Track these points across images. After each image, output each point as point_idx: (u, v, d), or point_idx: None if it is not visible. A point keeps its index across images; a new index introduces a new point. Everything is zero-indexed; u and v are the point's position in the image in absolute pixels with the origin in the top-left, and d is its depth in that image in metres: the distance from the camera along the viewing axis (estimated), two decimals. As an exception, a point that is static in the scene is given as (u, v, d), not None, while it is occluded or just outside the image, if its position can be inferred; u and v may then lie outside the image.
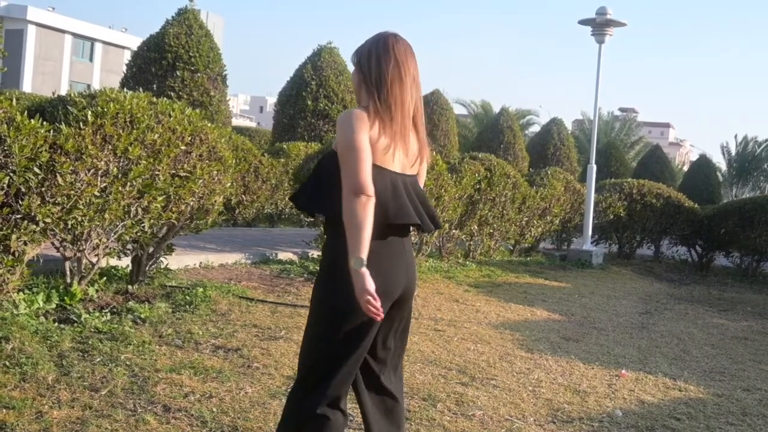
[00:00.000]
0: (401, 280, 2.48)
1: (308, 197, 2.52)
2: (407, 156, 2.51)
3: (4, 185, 4.20)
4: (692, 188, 23.94)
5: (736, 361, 6.07)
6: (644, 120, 69.92)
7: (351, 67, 2.63)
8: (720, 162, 36.51)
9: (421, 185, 2.66)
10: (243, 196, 11.14)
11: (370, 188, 2.29)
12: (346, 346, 2.41)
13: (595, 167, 12.76)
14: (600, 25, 12.72)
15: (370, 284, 2.26)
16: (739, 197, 28.50)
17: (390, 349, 2.61)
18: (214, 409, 3.54)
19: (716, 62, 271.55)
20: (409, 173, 2.54)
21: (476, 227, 10.36)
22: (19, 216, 4.34)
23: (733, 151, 36.80)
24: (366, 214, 2.27)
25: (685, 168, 39.49)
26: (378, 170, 2.37)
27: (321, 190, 2.45)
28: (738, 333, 7.46)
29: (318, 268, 3.02)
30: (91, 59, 44.82)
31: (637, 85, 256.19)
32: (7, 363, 3.76)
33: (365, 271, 2.26)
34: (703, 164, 28.07)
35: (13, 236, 4.36)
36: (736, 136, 37.64)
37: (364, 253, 2.26)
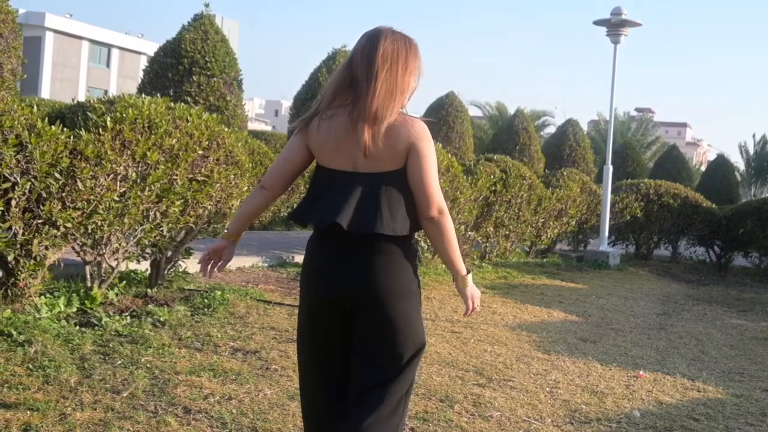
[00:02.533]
0: (333, 281, 2.36)
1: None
2: (347, 153, 2.35)
3: (26, 191, 4.27)
4: (710, 188, 23.76)
5: (755, 362, 6.03)
6: (661, 120, 69.55)
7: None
8: (738, 162, 36.18)
9: (417, 178, 2.35)
10: (259, 199, 11.19)
11: (266, 180, 2.48)
12: (300, 363, 2.56)
13: (611, 168, 12.71)
14: (615, 26, 12.69)
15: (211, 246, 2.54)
16: (757, 197, 28.25)
17: (358, 372, 2.40)
18: (234, 411, 3.58)
19: (734, 61, 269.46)
20: (362, 171, 2.35)
21: (492, 229, 10.35)
22: (40, 221, 4.41)
23: (752, 151, 36.46)
24: (249, 197, 2.54)
25: (703, 168, 39.20)
26: (318, 167, 2.45)
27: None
28: (757, 333, 7.41)
29: None
30: (108, 65, 45.18)
31: (654, 85, 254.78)
32: (31, 366, 3.82)
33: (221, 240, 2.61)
34: (721, 164, 27.83)
35: (35, 241, 4.43)
36: (754, 136, 37.22)
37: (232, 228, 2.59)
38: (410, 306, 2.40)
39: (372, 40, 2.35)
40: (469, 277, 2.48)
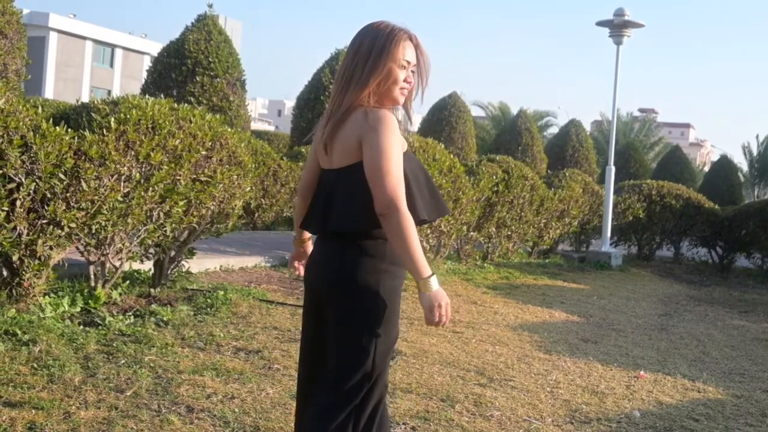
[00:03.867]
0: (308, 275, 2.46)
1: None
2: (321, 152, 2.40)
3: (31, 191, 4.30)
4: (713, 189, 23.73)
5: (756, 363, 6.05)
6: (664, 120, 69.49)
7: None
8: (741, 162, 36.14)
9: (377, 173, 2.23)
10: (262, 199, 11.24)
11: (299, 188, 2.61)
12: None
13: (613, 169, 12.73)
14: (618, 27, 12.70)
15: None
16: (761, 198, 28.23)
17: (308, 360, 2.47)
18: (236, 410, 3.61)
19: (738, 62, 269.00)
20: (328, 168, 2.39)
21: (494, 229, 10.38)
22: (45, 221, 4.44)
23: (755, 152, 36.43)
24: (295, 206, 2.66)
25: (706, 169, 39.15)
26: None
27: None
28: (758, 334, 7.42)
29: None
30: (111, 65, 45.29)
31: (658, 86, 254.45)
32: (35, 365, 3.86)
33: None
34: (724, 165, 27.79)
35: (39, 241, 4.46)
36: (757, 137, 37.17)
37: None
38: (355, 314, 2.26)
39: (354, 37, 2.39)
40: (432, 280, 2.18)
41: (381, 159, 2.17)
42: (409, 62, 2.34)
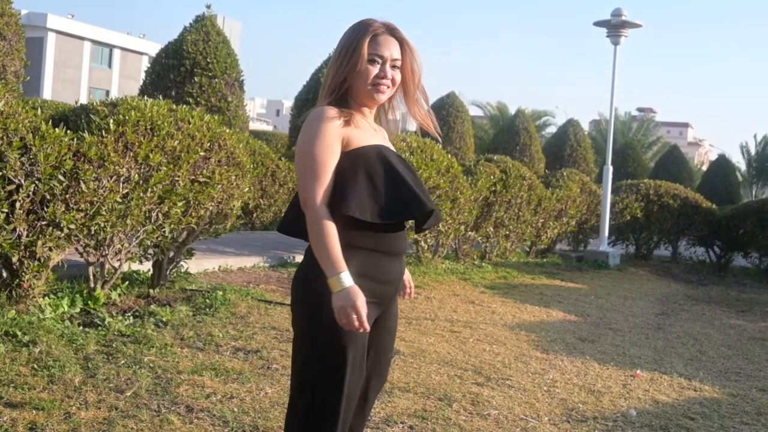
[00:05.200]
0: None
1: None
2: None
3: (30, 193, 4.32)
4: (711, 188, 23.80)
5: (752, 362, 6.08)
6: (663, 120, 69.44)
7: None
8: (740, 162, 36.27)
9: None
10: (261, 200, 11.27)
11: None
12: None
13: (611, 168, 12.76)
14: (615, 27, 12.73)
15: None
16: (758, 197, 28.27)
17: None
18: (236, 410, 3.63)
19: (736, 61, 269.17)
20: None
21: (492, 229, 10.41)
22: (44, 222, 4.47)
23: (753, 151, 36.53)
24: None
25: (705, 168, 39.23)
26: None
27: None
28: (755, 334, 7.45)
29: None
30: (109, 65, 45.27)
31: (656, 85, 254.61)
32: (36, 366, 3.88)
33: None
34: (722, 164, 27.87)
35: (39, 242, 4.49)
36: (755, 136, 37.36)
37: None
38: (298, 317, 2.24)
39: None
40: (338, 279, 2.08)
41: (300, 158, 2.17)
42: (382, 57, 2.24)
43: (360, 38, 2.23)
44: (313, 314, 2.17)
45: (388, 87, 2.27)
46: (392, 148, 2.37)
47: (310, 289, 2.19)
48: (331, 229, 2.11)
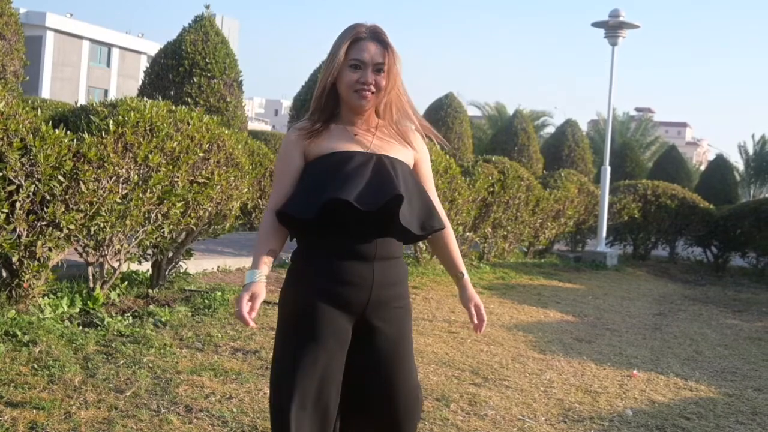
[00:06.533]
0: None
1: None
2: None
3: (30, 193, 4.34)
4: (709, 188, 23.84)
5: (748, 362, 6.11)
6: (661, 120, 69.55)
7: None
8: (738, 162, 36.34)
9: None
10: (259, 200, 11.28)
11: None
12: None
13: (608, 169, 12.80)
14: (613, 28, 12.77)
15: None
16: (757, 197, 28.34)
17: None
18: (234, 410, 3.66)
19: (734, 61, 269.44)
20: None
21: (490, 230, 10.44)
22: (44, 223, 4.49)
23: (751, 151, 36.61)
24: None
25: (703, 167, 39.30)
26: None
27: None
28: (752, 334, 7.49)
29: None
30: (108, 65, 45.24)
31: (654, 85, 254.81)
32: (36, 366, 3.91)
33: None
34: (720, 164, 27.91)
35: (39, 242, 4.51)
36: (753, 136, 37.50)
37: None
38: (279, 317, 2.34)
39: None
40: (249, 273, 2.25)
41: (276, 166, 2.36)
42: (363, 61, 2.20)
43: (341, 43, 2.24)
44: (279, 316, 2.33)
45: (372, 93, 2.22)
46: (393, 150, 2.28)
47: (282, 292, 2.34)
48: (265, 231, 2.25)
